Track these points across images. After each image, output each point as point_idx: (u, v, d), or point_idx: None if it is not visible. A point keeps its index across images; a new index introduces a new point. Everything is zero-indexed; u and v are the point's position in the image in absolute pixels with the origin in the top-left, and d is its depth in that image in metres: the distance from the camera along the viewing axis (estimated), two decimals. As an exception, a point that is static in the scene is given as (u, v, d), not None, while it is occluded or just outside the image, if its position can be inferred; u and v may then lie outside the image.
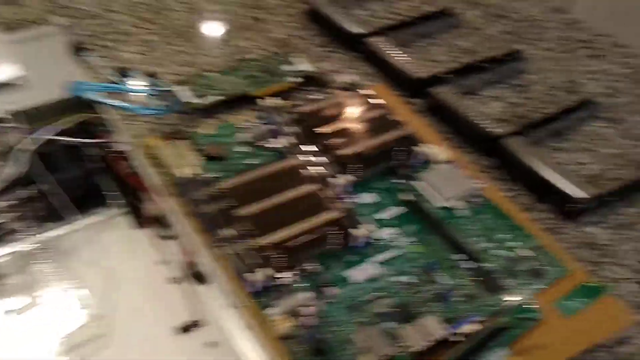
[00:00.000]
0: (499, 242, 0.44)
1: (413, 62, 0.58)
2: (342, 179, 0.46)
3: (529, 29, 0.67)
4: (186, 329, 0.38)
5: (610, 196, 0.48)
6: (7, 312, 0.38)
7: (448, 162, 0.49)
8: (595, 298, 0.41)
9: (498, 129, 0.52)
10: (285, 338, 0.37)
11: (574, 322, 0.40)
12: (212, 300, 0.39)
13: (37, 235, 0.41)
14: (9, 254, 0.40)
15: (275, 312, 0.38)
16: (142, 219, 0.43)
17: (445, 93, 0.55)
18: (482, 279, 0.41)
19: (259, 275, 0.39)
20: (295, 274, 0.40)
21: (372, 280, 0.41)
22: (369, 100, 0.52)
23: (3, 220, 0.40)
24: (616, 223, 0.47)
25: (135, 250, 0.42)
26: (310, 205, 0.42)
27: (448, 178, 0.47)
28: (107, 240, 0.42)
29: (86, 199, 0.44)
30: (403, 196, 0.46)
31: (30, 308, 0.38)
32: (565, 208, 0.47)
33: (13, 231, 0.40)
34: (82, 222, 0.43)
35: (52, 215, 0.42)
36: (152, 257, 0.41)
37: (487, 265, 0.42)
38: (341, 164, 0.46)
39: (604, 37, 0.67)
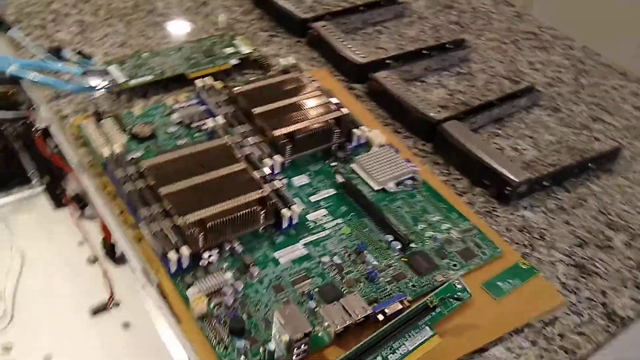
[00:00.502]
0: (432, 224, 0.43)
1: (357, 49, 0.57)
2: (274, 160, 0.44)
3: (475, 20, 0.67)
4: (100, 309, 0.36)
5: (545, 180, 0.47)
6: None
7: (385, 145, 0.48)
8: (526, 280, 0.40)
9: (437, 115, 0.51)
10: (202, 318, 0.36)
11: (503, 303, 0.39)
12: (128, 280, 0.37)
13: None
14: None
15: (194, 291, 0.36)
16: (62, 199, 0.41)
17: (386, 78, 0.55)
18: (411, 259, 0.40)
19: (178, 255, 0.37)
20: (218, 254, 0.39)
21: (299, 260, 0.40)
22: (308, 83, 0.51)
23: None
24: (550, 207, 0.46)
25: (53, 230, 0.40)
26: (238, 184, 0.41)
27: (384, 161, 0.47)
28: (24, 219, 0.40)
29: (4, 177, 0.42)
30: (337, 178, 0.45)
31: None
32: (500, 192, 0.46)
33: None
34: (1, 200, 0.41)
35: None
36: (71, 237, 0.40)
37: (417, 246, 0.41)
38: (274, 145, 0.45)
39: (548, 29, 0.67)
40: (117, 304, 0.36)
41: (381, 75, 0.55)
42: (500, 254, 0.41)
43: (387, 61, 0.57)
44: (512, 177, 0.46)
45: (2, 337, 0.34)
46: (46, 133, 0.42)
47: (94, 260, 0.36)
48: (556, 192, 0.48)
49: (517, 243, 0.43)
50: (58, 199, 0.39)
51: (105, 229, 0.38)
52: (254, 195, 0.40)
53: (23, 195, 0.40)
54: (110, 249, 0.38)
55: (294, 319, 0.34)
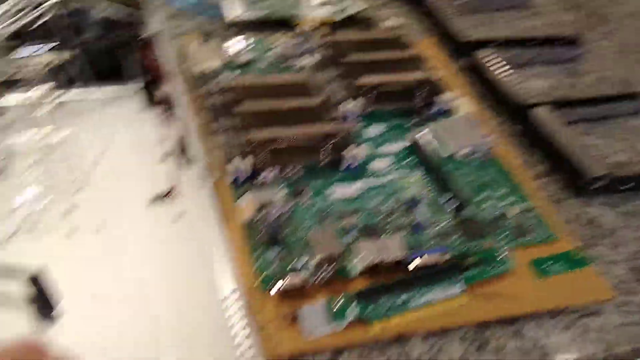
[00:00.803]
0: (493, 197, 0.42)
1: (467, 25, 0.57)
2: (353, 104, 0.46)
3: (601, 23, 0.64)
4: (160, 197, 0.39)
5: (627, 182, 0.45)
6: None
7: (467, 115, 0.48)
8: (576, 268, 0.39)
9: (532, 99, 0.50)
10: (247, 224, 0.38)
11: (545, 284, 0.38)
12: (192, 179, 0.40)
13: (52, 93, 0.44)
14: (23, 100, 0.43)
15: (245, 200, 0.39)
16: (153, 100, 0.45)
17: (488, 58, 0.54)
18: (462, 222, 0.40)
19: (241, 164, 0.40)
20: (276, 174, 0.41)
21: (350, 199, 0.41)
22: (409, 45, 0.51)
23: (18, 71, 0.43)
24: (626, 210, 0.44)
25: (139, 126, 0.44)
26: (312, 116, 0.43)
27: (462, 130, 0.46)
28: (114, 112, 0.44)
29: (104, 73, 0.46)
30: (409, 136, 0.46)
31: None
32: (576, 182, 0.44)
33: (27, 82, 0.43)
34: (98, 92, 0.45)
35: (72, 80, 0.45)
36: (153, 134, 0.43)
37: (472, 212, 0.41)
38: (358, 93, 0.47)
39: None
40: (176, 197, 0.39)
41: (483, 54, 0.54)
42: (555, 239, 0.40)
43: (495, 41, 0.56)
44: (591, 169, 0.44)
45: (68, 201, 0.38)
46: (150, 42, 0.46)
47: (167, 155, 0.39)
48: (637, 198, 0.45)
49: (578, 235, 0.42)
50: (150, 99, 0.43)
51: (183, 132, 0.41)
52: (324, 129, 0.42)
53: (118, 93, 0.44)
54: (183, 149, 0.41)
55: (327, 241, 0.36)
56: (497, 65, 0.53)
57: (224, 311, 0.33)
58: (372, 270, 0.36)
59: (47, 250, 0.31)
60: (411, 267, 0.37)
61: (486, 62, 0.54)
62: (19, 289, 0.32)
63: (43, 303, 0.32)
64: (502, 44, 0.56)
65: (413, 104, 0.48)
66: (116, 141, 0.42)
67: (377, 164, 0.44)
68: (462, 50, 0.56)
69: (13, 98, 0.42)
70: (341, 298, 0.35)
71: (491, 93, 0.52)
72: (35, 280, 0.31)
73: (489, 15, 0.63)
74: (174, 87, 0.43)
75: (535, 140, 0.48)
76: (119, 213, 0.37)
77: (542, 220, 0.41)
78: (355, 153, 0.42)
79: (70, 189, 0.38)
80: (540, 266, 0.39)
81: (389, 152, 0.45)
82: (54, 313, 0.32)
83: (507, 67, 0.54)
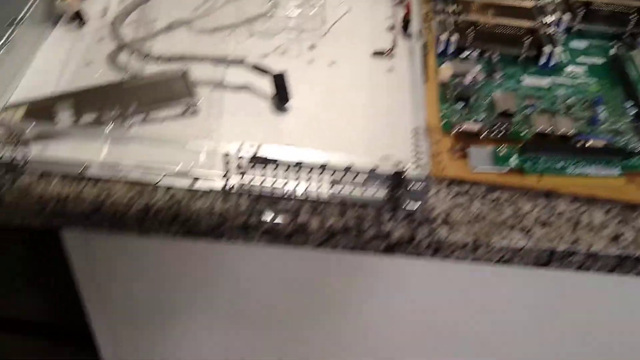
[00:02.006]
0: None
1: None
2: (562, 17, 0.50)
3: None
4: (379, 53, 0.48)
5: None
6: None
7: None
8: None
9: None
10: (442, 84, 0.45)
11: None
12: (406, 48, 0.48)
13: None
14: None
15: (446, 65, 0.46)
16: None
17: None
18: (638, 127, 0.43)
19: (447, 40, 0.47)
20: (477, 55, 0.48)
21: (538, 88, 0.46)
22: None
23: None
24: None
25: (374, 2, 0.53)
26: (523, 14, 0.48)
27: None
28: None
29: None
30: (611, 52, 0.49)
31: None
32: None
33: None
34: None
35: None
36: (382, 11, 0.52)
37: (652, 121, 0.44)
38: (570, 9, 0.51)
39: None
40: (392, 56, 0.47)
41: None
42: None
43: None
44: None
45: (313, 40, 0.48)
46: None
47: (391, 28, 0.48)
48: None
49: None
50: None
51: (408, 9, 0.49)
52: (528, 24, 0.47)
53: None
54: (405, 24, 0.49)
55: (507, 102, 0.42)
56: None
57: (411, 139, 0.41)
58: (542, 139, 0.42)
59: (290, 67, 0.42)
60: (580, 144, 0.41)
61: None
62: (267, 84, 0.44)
63: (281, 96, 0.42)
64: None
65: (626, 29, 0.51)
66: (355, 7, 0.52)
67: (572, 68, 0.48)
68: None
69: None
70: (507, 147, 0.41)
71: None
72: (279, 77, 0.42)
73: None
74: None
75: None
76: (348, 56, 0.46)
77: None
78: (554, 52, 0.47)
79: (317, 31, 0.49)
80: None
81: (586, 62, 0.49)
82: (287, 105, 0.43)
83: None
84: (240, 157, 0.37)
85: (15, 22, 0.43)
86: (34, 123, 0.38)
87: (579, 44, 0.50)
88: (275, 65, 0.45)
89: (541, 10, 0.50)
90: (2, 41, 0.42)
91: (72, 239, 0.44)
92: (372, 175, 0.37)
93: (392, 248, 0.38)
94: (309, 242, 0.38)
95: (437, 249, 0.38)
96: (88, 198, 0.37)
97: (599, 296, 0.45)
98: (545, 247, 0.37)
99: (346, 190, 0.38)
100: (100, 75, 0.45)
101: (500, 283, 0.45)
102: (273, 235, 0.38)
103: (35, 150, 0.39)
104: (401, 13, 0.51)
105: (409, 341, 0.53)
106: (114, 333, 0.54)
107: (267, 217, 0.37)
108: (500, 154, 0.41)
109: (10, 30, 0.42)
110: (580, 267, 0.38)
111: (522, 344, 0.51)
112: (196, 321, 0.52)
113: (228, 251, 0.44)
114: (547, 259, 0.38)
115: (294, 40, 0.49)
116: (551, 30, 0.48)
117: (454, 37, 0.47)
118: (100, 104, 0.42)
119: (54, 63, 0.46)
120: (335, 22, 0.51)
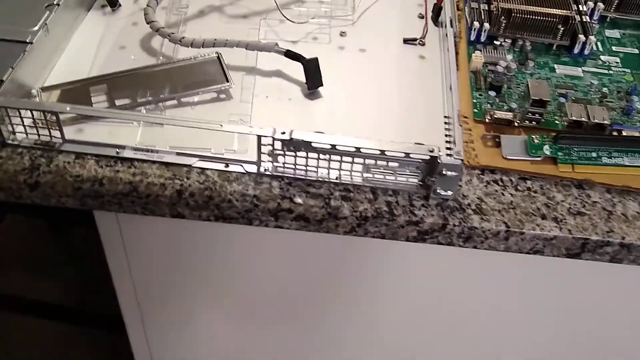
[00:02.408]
0: None
1: None
2: (597, 5, 0.50)
3: None
4: (410, 40, 0.48)
5: None
6: None
7: None
8: None
9: None
10: (474, 71, 0.45)
11: None
12: (436, 36, 0.48)
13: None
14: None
15: (478, 53, 0.46)
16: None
17: None
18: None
19: (479, 28, 0.47)
20: (510, 44, 0.47)
21: (572, 77, 0.46)
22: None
23: None
24: None
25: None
26: (557, 3, 0.48)
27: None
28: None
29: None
30: (646, 43, 0.49)
31: None
32: None
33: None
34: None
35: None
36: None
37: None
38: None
39: None
40: (423, 44, 0.47)
41: None
42: None
43: None
44: None
45: (344, 26, 0.48)
46: None
47: (422, 15, 0.48)
48: None
49: None
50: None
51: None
52: (562, 12, 0.47)
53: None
54: (437, 13, 0.49)
55: (541, 90, 0.41)
56: None
57: (444, 127, 0.41)
58: (576, 127, 0.41)
59: (321, 54, 0.42)
60: (612, 133, 0.41)
61: None
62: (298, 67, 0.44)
63: (312, 82, 0.42)
64: None
65: (659, 18, 0.50)
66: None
67: (606, 58, 0.48)
68: None
69: None
70: (540, 136, 0.41)
71: None
72: (311, 63, 0.42)
73: None
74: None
75: None
76: (379, 43, 0.46)
77: None
78: (587, 41, 0.47)
79: (348, 18, 0.49)
80: None
81: (620, 52, 0.48)
82: (318, 91, 0.43)
83: None
84: (273, 141, 0.37)
85: (52, 5, 0.44)
86: (69, 106, 0.38)
87: (613, 33, 0.50)
88: (307, 51, 0.45)
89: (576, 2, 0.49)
90: (39, 25, 0.42)
91: (106, 220, 0.45)
92: (406, 161, 0.37)
93: (423, 235, 0.38)
94: (340, 227, 0.38)
95: (469, 237, 0.38)
96: (123, 180, 0.38)
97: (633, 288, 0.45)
98: (578, 237, 0.37)
99: (379, 176, 0.38)
100: (134, 59, 0.45)
101: (530, 274, 0.45)
102: (304, 220, 0.38)
103: (70, 133, 0.40)
104: (433, 0, 0.50)
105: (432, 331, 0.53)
106: (143, 316, 0.54)
107: (299, 200, 0.38)
108: (534, 143, 0.40)
109: (46, 14, 0.43)
110: (613, 258, 0.38)
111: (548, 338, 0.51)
112: (222, 306, 0.53)
113: (259, 235, 0.45)
114: (580, 249, 0.38)
115: (324, 27, 0.49)
116: (585, 18, 0.48)
117: (486, 25, 0.47)
118: (134, 87, 0.42)
119: (89, 47, 0.46)
120: (366, 9, 0.51)
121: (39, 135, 0.39)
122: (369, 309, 0.51)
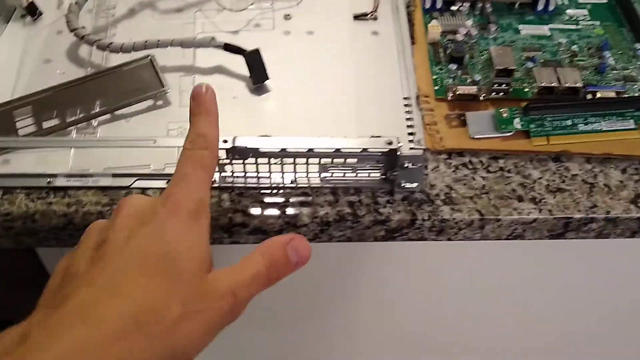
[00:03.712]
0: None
1: None
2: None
3: None
4: (360, 16, 0.44)
5: None
6: None
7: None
8: None
9: None
10: (432, 43, 0.41)
11: None
12: (390, 7, 0.44)
13: None
14: None
15: (434, 22, 0.42)
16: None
17: None
18: (651, 70, 0.40)
19: (436, -7, 0.43)
20: (469, 7, 0.43)
21: (538, 37, 0.42)
22: None
23: None
24: None
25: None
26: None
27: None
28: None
29: None
30: (614, -11, 0.45)
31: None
32: None
33: None
34: None
35: None
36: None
37: (665, 62, 0.40)
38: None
39: None
40: (376, 19, 0.43)
41: None
42: None
43: None
44: None
45: (288, 10, 0.44)
46: None
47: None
48: None
49: None
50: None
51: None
52: (521, -33, 0.43)
53: None
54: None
55: (505, 59, 0.38)
56: None
57: (403, 109, 0.37)
58: (547, 94, 0.38)
59: (266, 42, 0.38)
60: (586, 96, 0.38)
61: None
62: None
63: (257, 75, 0.38)
64: None
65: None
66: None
67: (573, 12, 0.44)
68: None
69: None
70: (509, 109, 0.37)
71: None
72: (252, 55, 0.38)
73: None
74: None
75: None
76: (327, 23, 0.42)
77: None
78: (551, -5, 0.43)
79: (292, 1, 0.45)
80: None
81: (588, 2, 0.45)
82: (264, 85, 0.39)
83: None
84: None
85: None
86: (-10, 135, 0.35)
87: (578, -17, 0.46)
88: (250, 41, 0.41)
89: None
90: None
91: (49, 255, 0.41)
92: (364, 156, 0.34)
93: (392, 234, 0.35)
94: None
95: (441, 231, 0.35)
96: (57, 213, 0.34)
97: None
98: (560, 217, 0.34)
99: (338, 174, 0.35)
100: (60, 73, 0.41)
101: (514, 258, 0.42)
102: (261, 232, 0.35)
103: (-5, 165, 0.36)
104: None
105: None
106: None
107: (253, 212, 0.34)
108: (502, 117, 0.37)
109: (-46, 35, 0.39)
110: (600, 234, 0.35)
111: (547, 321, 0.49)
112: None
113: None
114: (563, 229, 0.35)
115: (267, 11, 0.45)
116: (547, -29, 0.44)
117: (440, -9, 0.43)
118: (63, 106, 0.39)
119: (10, 63, 0.42)
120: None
121: (-41, 173, 0.36)
122: (366, 308, 0.48)
